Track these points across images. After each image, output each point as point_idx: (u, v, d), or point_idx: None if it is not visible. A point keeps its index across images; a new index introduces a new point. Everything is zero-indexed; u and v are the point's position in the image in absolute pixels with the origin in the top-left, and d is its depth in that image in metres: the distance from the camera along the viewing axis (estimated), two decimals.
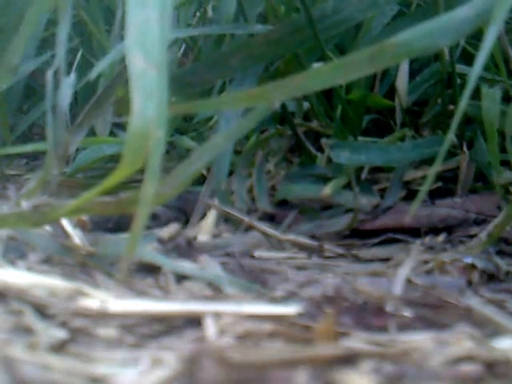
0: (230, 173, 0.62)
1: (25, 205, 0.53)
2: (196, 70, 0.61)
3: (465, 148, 0.65)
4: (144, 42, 0.35)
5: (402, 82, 0.71)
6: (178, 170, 0.37)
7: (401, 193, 0.64)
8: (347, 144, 0.63)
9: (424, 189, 0.36)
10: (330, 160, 0.67)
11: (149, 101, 0.34)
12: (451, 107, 0.68)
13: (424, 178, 0.65)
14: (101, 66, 0.61)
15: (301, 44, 0.62)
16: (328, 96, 0.75)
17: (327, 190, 0.59)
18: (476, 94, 0.62)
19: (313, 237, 0.57)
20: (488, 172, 0.64)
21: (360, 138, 0.68)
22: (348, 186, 0.62)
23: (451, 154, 0.66)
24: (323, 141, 0.64)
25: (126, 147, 0.34)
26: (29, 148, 0.76)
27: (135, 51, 0.35)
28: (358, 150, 0.61)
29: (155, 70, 0.34)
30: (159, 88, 0.34)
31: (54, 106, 0.56)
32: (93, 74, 0.60)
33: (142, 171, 0.34)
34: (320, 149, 0.71)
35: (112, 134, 0.74)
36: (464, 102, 0.35)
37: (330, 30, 0.60)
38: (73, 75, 0.57)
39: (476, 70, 0.35)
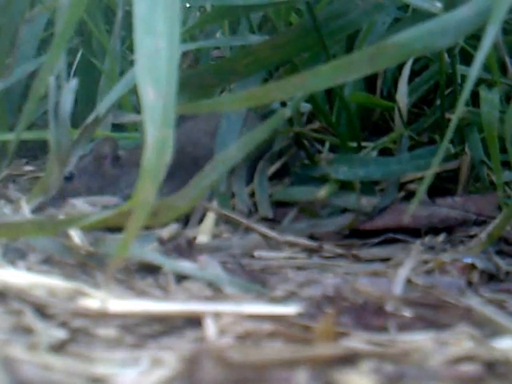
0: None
1: (26, 209, 0.53)
2: (203, 73, 0.61)
3: (466, 149, 0.65)
4: (154, 73, 0.36)
5: (402, 84, 0.70)
6: (193, 182, 0.37)
7: (398, 193, 0.64)
8: (345, 159, 0.63)
9: (421, 190, 0.36)
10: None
11: (160, 133, 0.34)
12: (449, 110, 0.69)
13: (423, 178, 0.65)
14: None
15: (305, 49, 0.62)
16: (328, 97, 0.76)
17: (322, 193, 0.59)
18: (474, 96, 0.62)
19: (312, 237, 0.57)
20: (481, 169, 0.64)
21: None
22: (345, 187, 0.63)
23: (452, 154, 0.66)
24: (322, 156, 0.65)
25: (140, 178, 0.34)
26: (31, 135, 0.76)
27: (146, 83, 0.35)
28: (356, 164, 0.62)
29: (165, 101, 0.35)
30: (168, 117, 0.35)
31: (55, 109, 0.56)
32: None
33: None
34: (320, 150, 0.71)
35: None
36: (460, 109, 0.35)
37: (335, 34, 0.60)
38: (74, 81, 0.57)
39: (474, 72, 0.35)
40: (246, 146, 0.39)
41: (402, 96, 0.70)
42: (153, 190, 0.34)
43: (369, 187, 0.63)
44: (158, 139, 0.34)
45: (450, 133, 0.36)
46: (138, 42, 0.36)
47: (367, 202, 0.59)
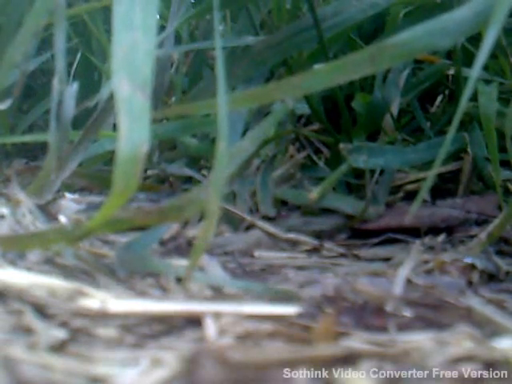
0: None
1: (26, 209, 0.53)
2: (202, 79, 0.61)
3: (468, 149, 0.65)
4: (130, 65, 0.35)
5: (394, 88, 0.70)
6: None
7: (397, 194, 0.64)
8: (365, 148, 0.62)
9: (424, 188, 0.36)
10: (328, 161, 0.67)
11: (136, 124, 0.34)
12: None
13: (421, 180, 0.65)
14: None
15: (302, 46, 0.62)
16: (327, 97, 0.76)
17: (314, 194, 0.59)
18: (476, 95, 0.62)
19: (313, 236, 0.56)
20: (483, 166, 0.64)
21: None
22: (344, 190, 0.63)
23: (453, 155, 0.66)
24: (341, 146, 0.64)
25: (116, 173, 0.34)
26: (29, 138, 0.76)
27: (121, 75, 0.35)
28: (376, 153, 0.61)
29: (141, 93, 0.35)
30: (145, 111, 0.34)
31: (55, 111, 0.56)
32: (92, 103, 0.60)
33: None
34: (321, 151, 0.71)
35: None
36: (464, 104, 0.35)
37: (330, 31, 0.60)
38: (75, 85, 0.57)
39: (476, 71, 0.35)
40: (257, 138, 0.39)
41: (394, 101, 0.70)
42: (131, 182, 0.33)
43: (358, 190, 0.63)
44: (133, 131, 0.34)
45: (453, 129, 0.36)
46: (115, 35, 0.36)
47: (374, 210, 0.59)
